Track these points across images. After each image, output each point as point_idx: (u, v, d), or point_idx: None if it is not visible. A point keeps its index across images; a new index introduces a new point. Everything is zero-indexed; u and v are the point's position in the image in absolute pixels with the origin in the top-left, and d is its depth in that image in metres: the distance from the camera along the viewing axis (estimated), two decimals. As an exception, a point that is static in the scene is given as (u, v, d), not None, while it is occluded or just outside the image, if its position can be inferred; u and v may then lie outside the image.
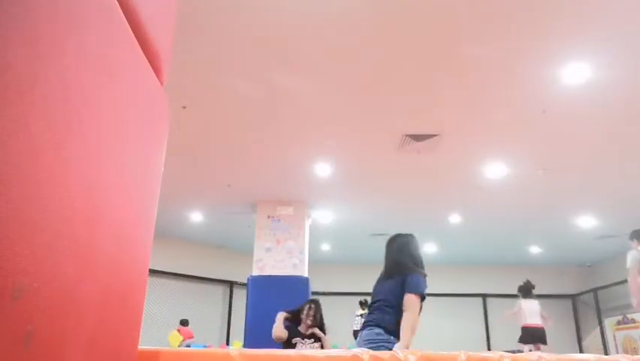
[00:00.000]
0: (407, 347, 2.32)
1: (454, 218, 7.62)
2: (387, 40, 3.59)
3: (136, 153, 0.92)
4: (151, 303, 7.78)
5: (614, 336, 9.33)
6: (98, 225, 0.74)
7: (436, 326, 9.16)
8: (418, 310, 2.61)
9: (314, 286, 6.62)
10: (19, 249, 0.52)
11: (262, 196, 6.83)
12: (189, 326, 7.72)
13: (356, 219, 7.88)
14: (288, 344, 3.70)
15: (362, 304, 8.05)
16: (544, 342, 6.24)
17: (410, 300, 2.60)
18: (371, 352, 1.02)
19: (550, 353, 1.21)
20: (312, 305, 4.01)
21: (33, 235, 0.55)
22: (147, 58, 0.95)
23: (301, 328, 3.89)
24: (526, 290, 6.56)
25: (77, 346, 0.68)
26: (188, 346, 6.70)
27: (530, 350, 6.13)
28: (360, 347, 2.44)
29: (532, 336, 6.25)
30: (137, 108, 0.92)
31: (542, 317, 6.36)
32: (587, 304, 10.15)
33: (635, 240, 5.31)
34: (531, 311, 6.35)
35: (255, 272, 6.67)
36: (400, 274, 2.76)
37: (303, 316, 3.94)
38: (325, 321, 4.04)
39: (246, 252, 7.46)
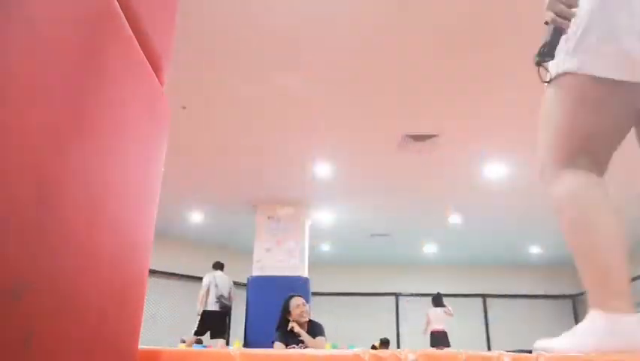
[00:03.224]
0: None
1: (454, 218, 7.63)
2: (388, 41, 3.59)
3: (136, 153, 0.92)
4: (151, 303, 7.77)
5: (614, 336, 9.32)
6: (98, 225, 0.74)
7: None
8: None
9: (314, 286, 6.61)
10: (19, 249, 0.52)
11: (262, 196, 6.83)
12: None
13: (356, 220, 7.88)
14: None
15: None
16: (448, 344, 7.01)
17: None
18: (372, 351, 1.03)
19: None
20: (300, 300, 3.57)
21: (33, 235, 0.55)
22: (147, 58, 0.95)
23: (297, 329, 3.51)
24: (436, 301, 7.42)
25: (77, 346, 0.68)
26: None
27: None
28: None
29: (437, 339, 7.08)
30: (137, 108, 0.92)
31: (447, 313, 7.23)
32: (587, 304, 10.13)
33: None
34: (437, 318, 7.26)
35: (255, 272, 6.67)
36: None
37: (295, 315, 3.52)
38: (325, 321, 3.85)
39: (246, 252, 7.45)
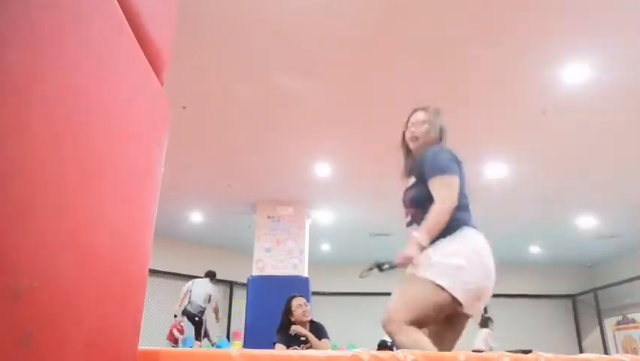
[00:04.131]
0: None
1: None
2: (388, 40, 3.59)
3: (136, 153, 0.92)
4: (151, 303, 7.77)
5: (614, 336, 9.32)
6: (98, 225, 0.74)
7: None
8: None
9: (314, 286, 6.61)
10: (19, 249, 0.52)
11: (262, 196, 6.83)
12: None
13: (356, 219, 7.87)
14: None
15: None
16: None
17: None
18: (371, 352, 1.03)
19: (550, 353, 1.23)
20: (302, 300, 3.59)
21: (33, 235, 0.55)
22: (147, 58, 0.95)
23: (298, 330, 3.51)
24: (484, 322, 7.26)
25: (77, 346, 0.68)
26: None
27: None
28: None
29: None
30: (137, 108, 0.92)
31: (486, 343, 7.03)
32: (587, 304, 10.14)
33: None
34: (479, 338, 7.15)
35: (255, 272, 6.67)
36: None
37: (297, 315, 3.53)
38: (325, 321, 3.80)
39: (246, 252, 7.44)
